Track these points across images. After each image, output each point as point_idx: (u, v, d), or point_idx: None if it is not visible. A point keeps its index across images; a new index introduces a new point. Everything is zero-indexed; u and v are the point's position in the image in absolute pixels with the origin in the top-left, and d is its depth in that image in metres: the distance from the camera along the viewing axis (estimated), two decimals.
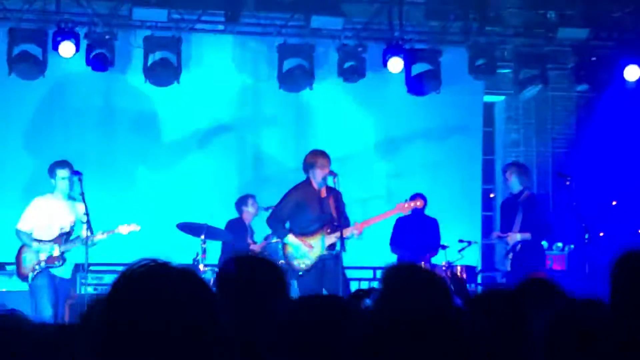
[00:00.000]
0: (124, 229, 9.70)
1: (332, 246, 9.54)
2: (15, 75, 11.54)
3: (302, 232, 9.56)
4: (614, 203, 13.50)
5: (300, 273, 9.56)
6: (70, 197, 9.61)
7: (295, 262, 9.56)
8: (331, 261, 9.52)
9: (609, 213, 13.12)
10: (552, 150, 14.06)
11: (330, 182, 9.50)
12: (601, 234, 12.27)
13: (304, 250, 9.52)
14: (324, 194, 9.60)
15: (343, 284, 9.42)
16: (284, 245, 9.64)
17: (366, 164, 12.92)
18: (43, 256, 9.48)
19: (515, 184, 10.56)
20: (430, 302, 2.89)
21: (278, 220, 9.68)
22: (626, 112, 13.55)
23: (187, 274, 1.98)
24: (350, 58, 12.22)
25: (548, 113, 14.15)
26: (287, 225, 9.68)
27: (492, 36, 12.62)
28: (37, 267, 9.44)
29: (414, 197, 10.75)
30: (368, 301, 4.39)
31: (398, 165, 13.11)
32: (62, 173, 9.49)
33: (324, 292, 9.10)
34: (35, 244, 9.50)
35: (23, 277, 9.54)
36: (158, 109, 12.47)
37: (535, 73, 12.73)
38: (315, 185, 9.60)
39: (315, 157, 9.62)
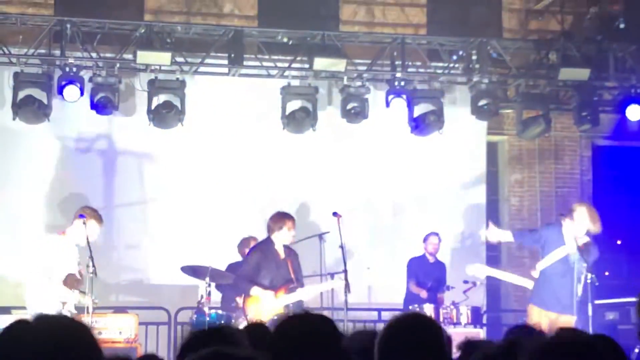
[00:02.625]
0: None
1: (286, 307, 9.57)
2: (20, 120, 11.59)
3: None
4: (618, 242, 13.48)
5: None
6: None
7: (254, 318, 9.52)
8: None
9: (614, 252, 13.09)
10: (555, 189, 14.07)
11: (335, 224, 9.49)
12: (606, 273, 12.23)
13: (264, 305, 9.51)
14: (282, 255, 9.67)
15: None
16: (246, 299, 9.63)
17: (369, 204, 12.91)
18: (68, 302, 8.91)
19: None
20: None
21: (244, 280, 9.70)
22: (628, 152, 13.57)
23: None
24: (353, 99, 12.26)
25: (551, 153, 14.18)
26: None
27: (494, 77, 12.67)
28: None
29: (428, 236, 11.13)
30: None
31: (401, 205, 13.10)
32: (98, 225, 9.23)
33: None
34: (61, 290, 8.89)
35: None
36: (162, 151, 12.49)
37: (538, 113, 12.77)
38: (276, 246, 9.70)
39: (284, 219, 9.74)
